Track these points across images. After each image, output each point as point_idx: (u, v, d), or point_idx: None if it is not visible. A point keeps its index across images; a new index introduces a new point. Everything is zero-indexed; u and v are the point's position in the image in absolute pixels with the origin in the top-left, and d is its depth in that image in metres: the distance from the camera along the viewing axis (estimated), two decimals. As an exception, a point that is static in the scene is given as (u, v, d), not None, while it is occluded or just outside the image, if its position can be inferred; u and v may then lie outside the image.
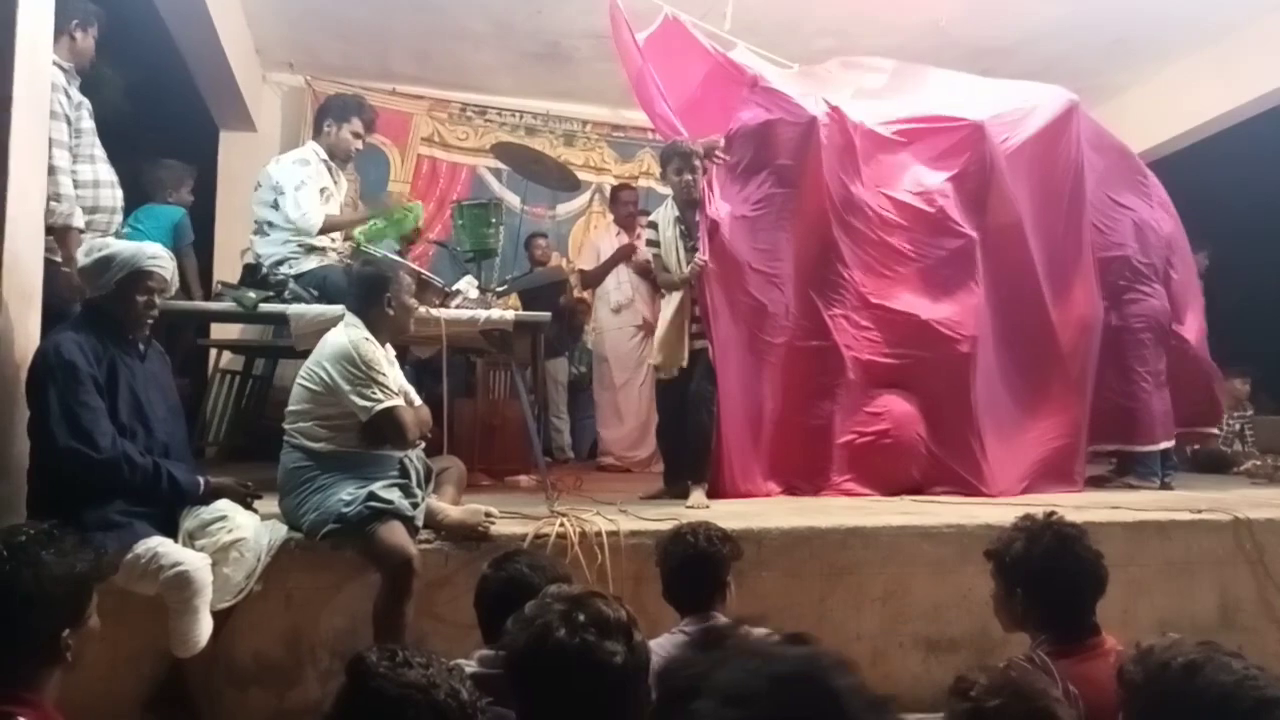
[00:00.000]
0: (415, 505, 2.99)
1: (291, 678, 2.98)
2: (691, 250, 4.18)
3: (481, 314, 3.83)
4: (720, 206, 4.32)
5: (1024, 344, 4.81)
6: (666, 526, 3.11)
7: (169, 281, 2.88)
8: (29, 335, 2.95)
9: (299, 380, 3.08)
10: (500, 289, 4.58)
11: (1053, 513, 2.35)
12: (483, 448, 4.75)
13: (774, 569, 3.25)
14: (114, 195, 3.61)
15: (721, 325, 4.21)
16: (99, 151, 3.57)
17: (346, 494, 2.88)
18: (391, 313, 3.17)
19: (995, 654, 2.96)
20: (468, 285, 4.20)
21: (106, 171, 3.59)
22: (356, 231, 4.26)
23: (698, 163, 4.22)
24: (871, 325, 4.55)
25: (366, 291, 3.18)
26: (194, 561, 2.63)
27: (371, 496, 2.85)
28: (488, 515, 3.13)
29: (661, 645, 2.10)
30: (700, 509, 3.77)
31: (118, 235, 3.57)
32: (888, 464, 4.46)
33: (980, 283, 4.65)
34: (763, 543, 3.25)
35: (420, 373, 4.64)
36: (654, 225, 4.39)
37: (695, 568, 2.48)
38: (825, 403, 4.49)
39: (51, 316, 3.06)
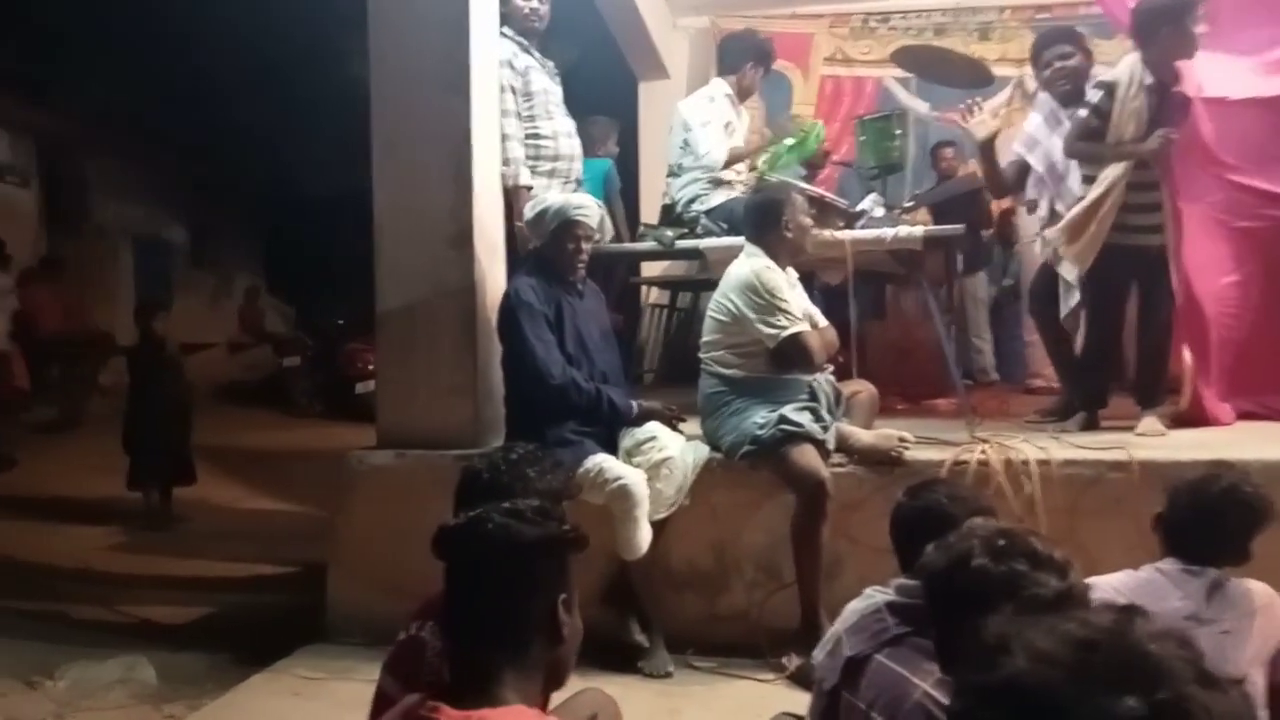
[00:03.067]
0: (825, 428, 3.01)
1: (719, 585, 3.22)
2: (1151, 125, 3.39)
3: (888, 232, 3.67)
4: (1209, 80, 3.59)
5: None
6: (1109, 456, 2.74)
7: (596, 228, 3.19)
8: (497, 283, 3.50)
9: (709, 312, 3.24)
10: (908, 205, 4.34)
11: None
12: (896, 371, 4.60)
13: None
14: (571, 144, 4.04)
15: (1187, 215, 3.53)
16: (555, 106, 4.00)
17: (760, 417, 3.00)
18: (788, 235, 3.17)
19: None
20: (873, 204, 4.05)
21: (564, 123, 4.02)
22: (759, 160, 4.32)
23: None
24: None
25: (760, 218, 3.22)
26: (633, 476, 2.94)
27: (783, 419, 2.93)
28: (901, 440, 3.04)
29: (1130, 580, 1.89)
30: (1154, 436, 3.27)
31: (578, 182, 4.01)
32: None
33: None
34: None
35: (829, 297, 4.61)
36: (1108, 88, 3.47)
37: (1210, 522, 1.98)
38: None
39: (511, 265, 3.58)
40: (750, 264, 3.13)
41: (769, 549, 3.13)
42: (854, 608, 1.74)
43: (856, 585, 1.83)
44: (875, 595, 1.72)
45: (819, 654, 1.78)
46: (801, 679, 2.71)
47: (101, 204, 10.16)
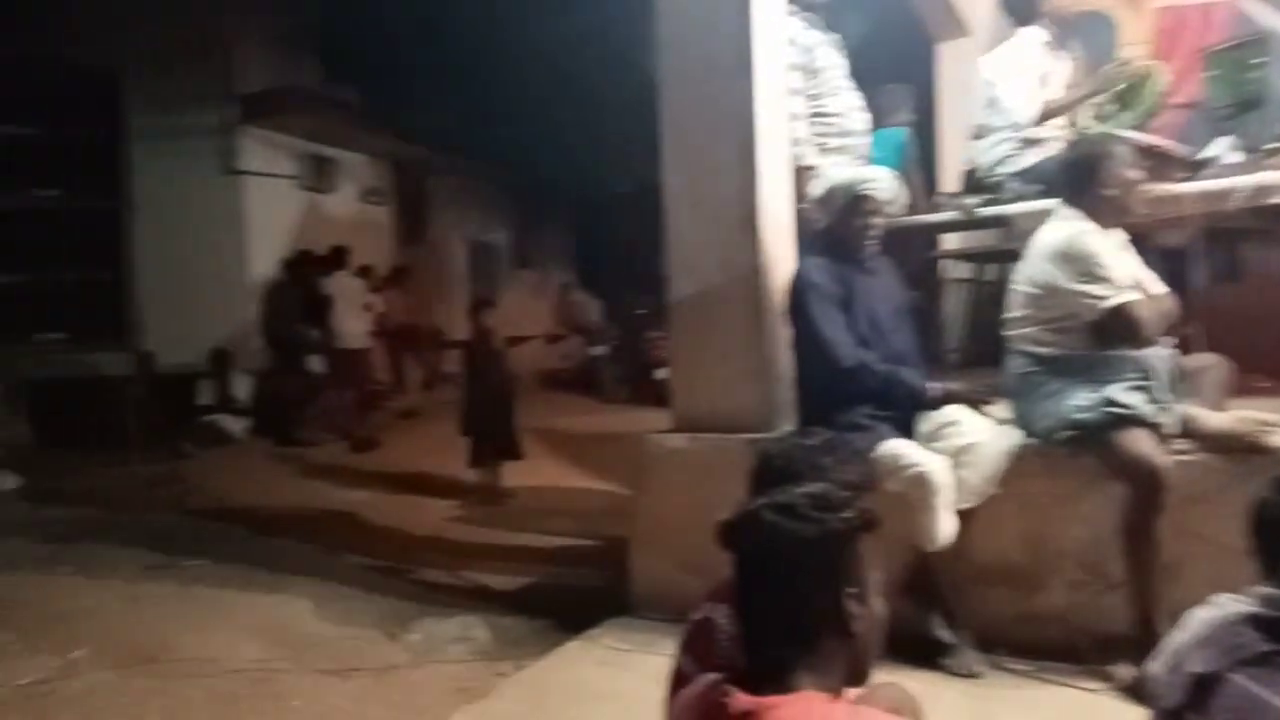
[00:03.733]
0: (1163, 410, 2.62)
1: (1034, 582, 2.94)
2: None
3: (1242, 182, 3.11)
4: None
5: None
6: None
7: (887, 203, 3.03)
8: (786, 265, 3.45)
9: (1016, 285, 2.95)
10: (1272, 145, 3.65)
11: None
12: (1253, 343, 3.89)
13: None
14: (862, 119, 3.92)
15: None
16: (842, 81, 3.89)
17: (1081, 398, 2.68)
18: (1109, 194, 2.79)
19: None
20: (1225, 149, 3.45)
21: (852, 98, 3.90)
22: (1083, 114, 3.86)
23: None
24: None
25: (1075, 176, 2.86)
26: (932, 463, 2.76)
27: (1109, 401, 2.60)
28: (1263, 424, 2.56)
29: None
30: None
31: (866, 157, 3.88)
32: None
33: None
34: None
35: (1169, 260, 4.01)
36: None
37: None
38: None
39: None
40: (1064, 228, 2.80)
41: (1093, 544, 2.80)
42: (1202, 617, 1.49)
43: (1202, 590, 1.57)
44: (1231, 604, 1.46)
45: (1156, 666, 1.55)
46: (1134, 692, 2.41)
47: (439, 216, 11.56)
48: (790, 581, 1.21)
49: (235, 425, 7.98)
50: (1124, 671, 2.56)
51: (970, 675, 2.76)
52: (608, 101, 8.57)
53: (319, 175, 9.33)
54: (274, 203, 8.93)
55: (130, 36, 7.69)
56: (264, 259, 8.70)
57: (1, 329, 6.26)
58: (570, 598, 4.00)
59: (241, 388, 8.18)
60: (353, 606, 4.03)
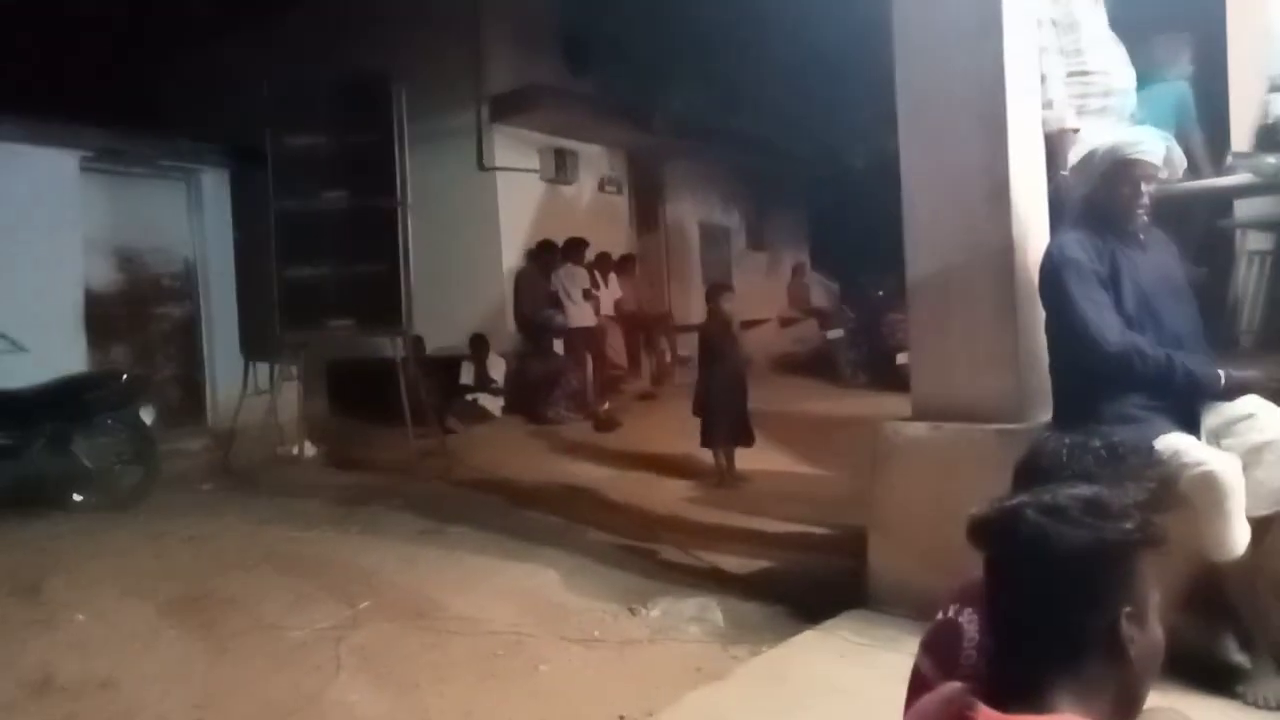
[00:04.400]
0: None
1: (1356, 606, 2.51)
2: None
3: None
4: None
5: None
6: None
7: (1157, 167, 2.69)
8: (1039, 240, 3.18)
9: None
10: None
11: None
12: None
13: None
14: (1126, 75, 3.54)
15: None
16: (1104, 32, 3.53)
17: None
18: None
19: None
20: None
21: (1115, 53, 3.53)
22: None
23: None
24: None
25: None
26: (1220, 462, 2.45)
27: None
28: None
29: None
30: None
31: (1132, 117, 3.51)
32: None
33: None
34: None
35: None
36: None
37: None
38: None
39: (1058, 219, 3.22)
40: None
41: None
42: None
43: None
44: None
45: None
46: None
47: (674, 201, 11.79)
48: (1054, 593, 1.08)
49: (493, 404, 8.66)
50: None
51: (1272, 707, 2.43)
52: (843, 78, 8.31)
53: (560, 167, 9.84)
54: (521, 196, 9.54)
55: (398, 48, 8.52)
56: (515, 249, 9.35)
57: (302, 316, 7.18)
58: (805, 586, 3.96)
59: (498, 369, 8.85)
60: (596, 579, 4.24)
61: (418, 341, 8.02)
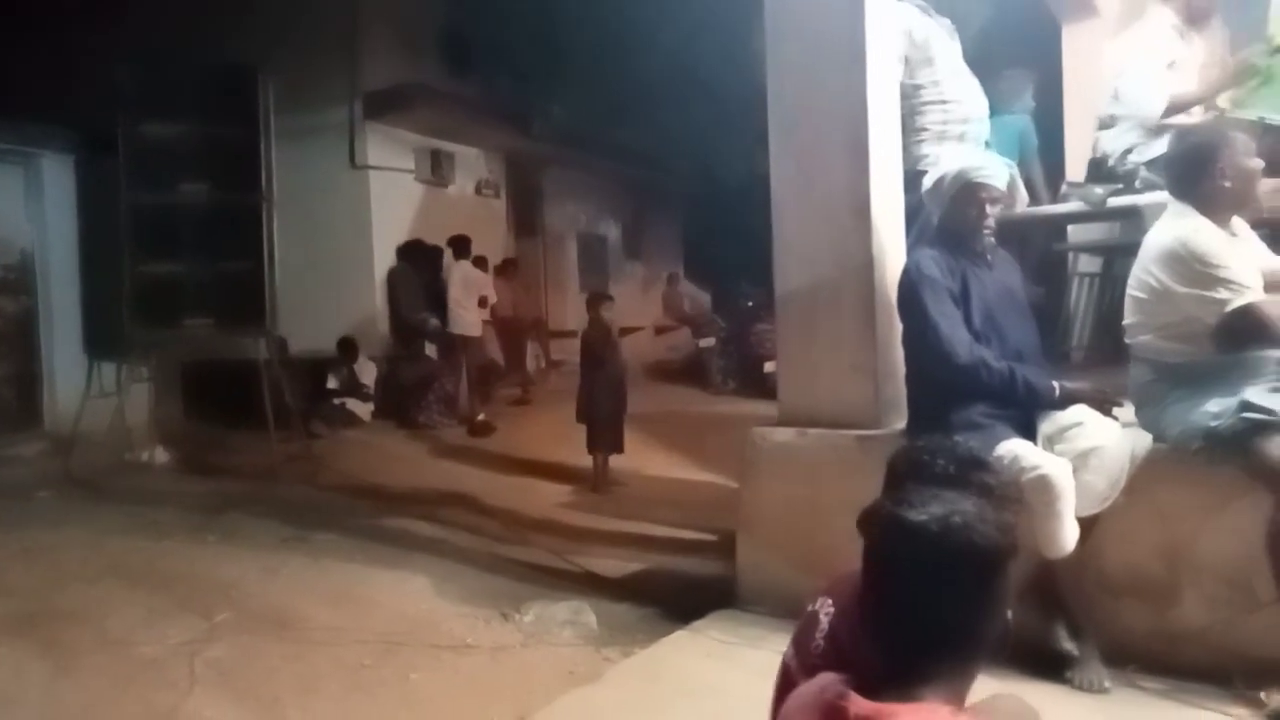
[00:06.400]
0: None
1: (1170, 596, 2.79)
2: None
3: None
4: None
5: None
6: None
7: (1000, 192, 2.91)
8: (897, 258, 3.38)
9: (1128, 290, 2.79)
10: None
11: None
12: None
13: None
14: (980, 104, 3.80)
15: None
16: (959, 64, 3.78)
17: (1213, 405, 2.52)
18: (1225, 186, 2.61)
19: None
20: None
21: (969, 83, 3.78)
22: (1220, 100, 3.62)
23: None
24: None
25: (1185, 168, 2.69)
26: (1054, 465, 2.65)
27: (1246, 405, 2.43)
28: None
29: None
30: None
31: (986, 144, 3.77)
32: None
33: None
34: None
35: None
36: None
37: None
38: None
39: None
40: (1173, 227, 2.63)
41: (1238, 559, 2.63)
42: None
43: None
44: None
45: None
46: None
47: (552, 208, 11.79)
48: (942, 592, 1.15)
49: (362, 409, 8.40)
50: (1275, 699, 2.42)
51: (1097, 690, 2.65)
52: (718, 95, 8.56)
53: (436, 168, 9.66)
54: (395, 196, 9.31)
55: (267, 38, 8.17)
56: (387, 250, 9.09)
57: (156, 314, 6.75)
58: (677, 587, 4.05)
59: (367, 373, 8.59)
60: (468, 585, 4.20)
61: (282, 342, 7.69)
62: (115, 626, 3.69)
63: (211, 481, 6.52)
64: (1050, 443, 2.78)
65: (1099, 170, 3.84)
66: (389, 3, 9.06)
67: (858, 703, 1.15)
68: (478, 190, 10.49)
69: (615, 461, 6.31)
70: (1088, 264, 5.15)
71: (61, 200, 7.87)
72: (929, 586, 1.15)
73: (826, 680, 1.26)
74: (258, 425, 6.83)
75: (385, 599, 4.03)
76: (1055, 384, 2.84)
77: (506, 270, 9.97)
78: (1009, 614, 1.20)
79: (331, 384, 8.38)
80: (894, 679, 1.16)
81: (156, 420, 7.26)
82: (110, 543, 4.89)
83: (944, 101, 3.67)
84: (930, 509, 1.17)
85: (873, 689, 1.16)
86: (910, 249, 3.32)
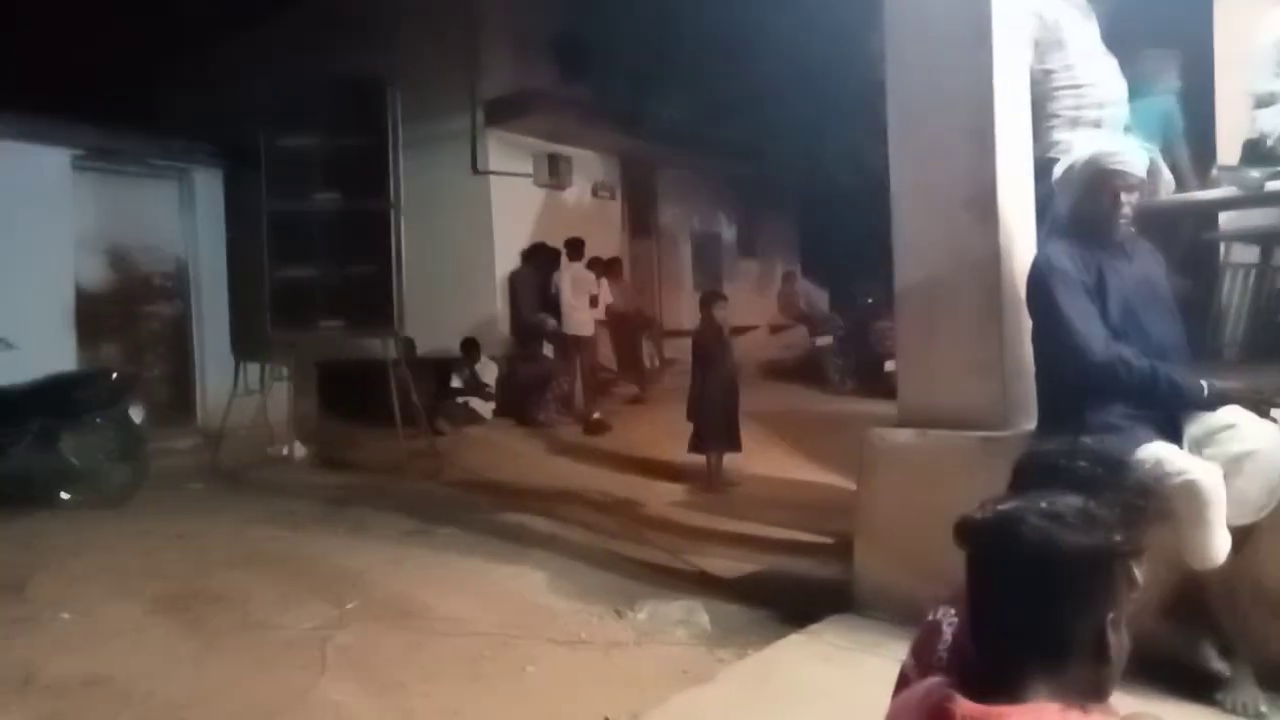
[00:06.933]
0: None
1: (1335, 615, 2.55)
2: None
3: None
4: None
5: None
6: None
7: (1137, 178, 2.72)
8: (1025, 250, 3.21)
9: None
10: None
11: None
12: None
13: None
14: (1118, 87, 3.58)
15: None
16: (1096, 46, 3.58)
17: None
18: None
19: None
20: None
21: (1107, 65, 3.57)
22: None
23: None
24: None
25: None
26: (1202, 470, 2.47)
27: None
28: None
29: None
30: None
31: (1126, 128, 3.55)
32: None
33: None
34: None
35: None
36: None
37: None
38: None
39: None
40: None
41: None
42: None
43: None
44: None
45: None
46: None
47: (667, 208, 11.82)
48: (1044, 597, 1.14)
49: (484, 407, 8.66)
50: None
51: (1252, 715, 2.45)
52: (834, 89, 8.37)
53: (554, 172, 9.85)
54: (515, 200, 9.55)
55: (393, 52, 8.54)
56: (507, 253, 9.35)
57: (293, 317, 7.18)
58: (791, 590, 3.98)
59: (489, 372, 8.85)
60: (583, 581, 4.25)
61: (408, 343, 8.02)
62: (255, 610, 3.93)
63: (343, 475, 6.88)
64: (1199, 446, 2.58)
65: (1256, 152, 3.54)
66: (505, 13, 9.31)
67: (963, 705, 1.13)
68: (594, 192, 10.64)
69: (729, 461, 6.27)
70: (1242, 254, 4.76)
71: (211, 211, 8.47)
72: (1042, 590, 1.14)
73: (932, 683, 1.25)
74: (386, 422, 7.14)
75: (503, 592, 4.14)
76: (1204, 383, 2.63)
77: (612, 269, 10.06)
78: (1119, 618, 1.15)
79: (455, 383, 8.67)
80: (1001, 684, 1.14)
81: (295, 417, 7.70)
82: (252, 531, 5.22)
83: (1077, 86, 3.46)
84: (1042, 509, 1.16)
85: (980, 694, 1.14)
86: (1041, 242, 3.14)
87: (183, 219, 8.43)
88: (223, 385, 7.71)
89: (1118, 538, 1.14)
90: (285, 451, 7.45)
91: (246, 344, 7.89)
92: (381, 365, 7.32)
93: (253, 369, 7.69)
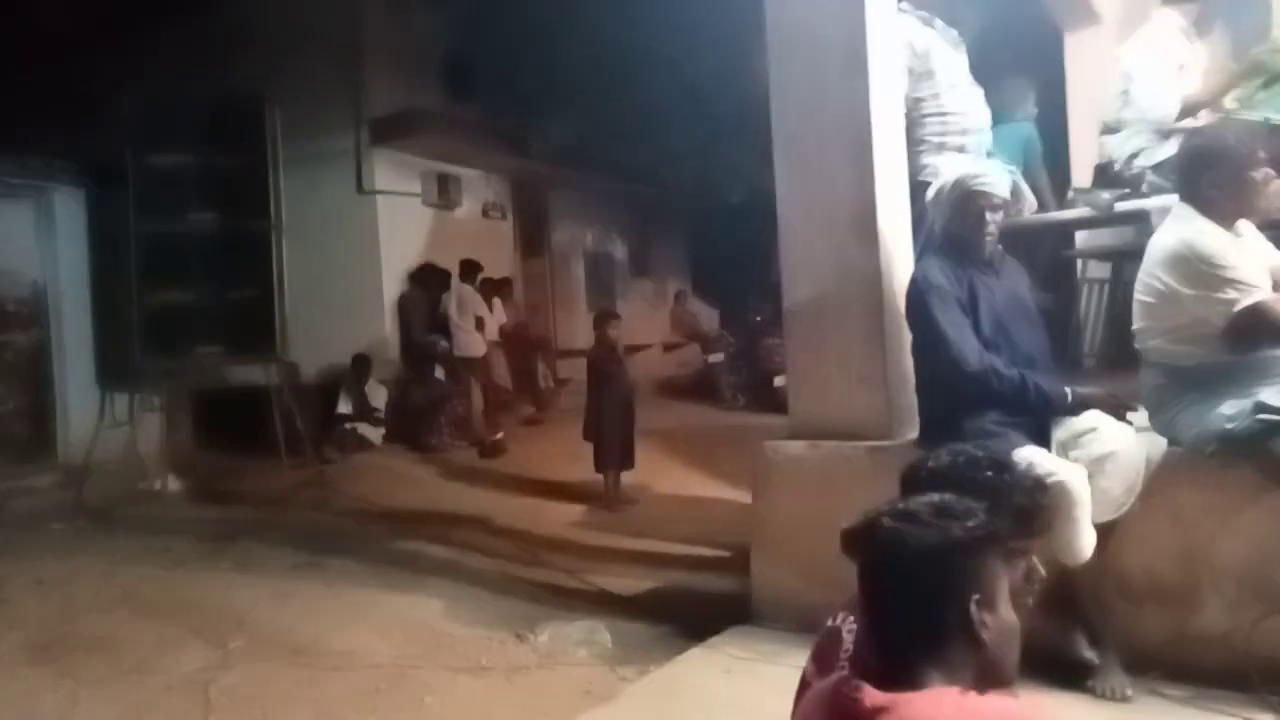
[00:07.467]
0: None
1: (1190, 602, 2.76)
2: None
3: None
4: None
5: None
6: None
7: (1000, 199, 2.91)
8: (904, 268, 3.37)
9: (1136, 294, 2.77)
10: None
11: None
12: None
13: None
14: (982, 116, 3.80)
15: None
16: (960, 76, 3.80)
17: (1227, 407, 2.50)
18: (1230, 188, 2.60)
19: None
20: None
21: (972, 93, 3.79)
22: (1227, 101, 3.61)
23: None
24: None
25: (1190, 169, 2.68)
26: (1069, 472, 2.63)
27: (1260, 407, 2.41)
28: None
29: None
30: None
31: (988, 154, 3.77)
32: None
33: None
34: None
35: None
36: None
37: None
38: None
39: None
40: (1177, 230, 2.62)
41: (1257, 561, 2.61)
42: None
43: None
44: None
45: None
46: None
47: (558, 228, 11.83)
48: (912, 588, 1.22)
49: (373, 433, 8.40)
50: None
51: (1119, 699, 2.62)
52: (721, 112, 8.59)
53: (443, 192, 9.72)
54: (403, 220, 9.36)
55: (273, 69, 8.26)
56: (395, 274, 9.14)
57: (166, 343, 6.82)
58: (692, 604, 4.02)
59: (378, 396, 8.60)
60: (482, 607, 4.18)
61: (292, 368, 7.72)
62: (129, 655, 3.69)
63: (223, 509, 6.53)
64: (1065, 449, 2.76)
65: (1105, 175, 3.83)
66: (391, 30, 9.15)
67: (870, 693, 1.19)
68: (484, 212, 10.53)
69: (627, 479, 6.29)
70: (1097, 270, 5.14)
71: (73, 233, 7.93)
72: (905, 584, 1.22)
73: (839, 677, 1.31)
74: (269, 451, 6.84)
75: (399, 622, 4.02)
76: (1068, 390, 2.82)
77: (503, 289, 9.98)
78: (988, 601, 1.22)
79: (343, 408, 8.39)
80: (895, 674, 1.21)
81: (168, 449, 7.29)
82: (123, 572, 4.90)
83: (944, 114, 3.68)
84: (897, 510, 1.25)
85: (883, 684, 1.21)
86: (917, 259, 3.31)
87: (40, 241, 7.87)
88: (87, 418, 7.22)
89: (969, 524, 1.22)
90: (158, 486, 7.03)
91: (114, 373, 7.42)
92: (264, 392, 7.02)
93: (121, 399, 7.24)
